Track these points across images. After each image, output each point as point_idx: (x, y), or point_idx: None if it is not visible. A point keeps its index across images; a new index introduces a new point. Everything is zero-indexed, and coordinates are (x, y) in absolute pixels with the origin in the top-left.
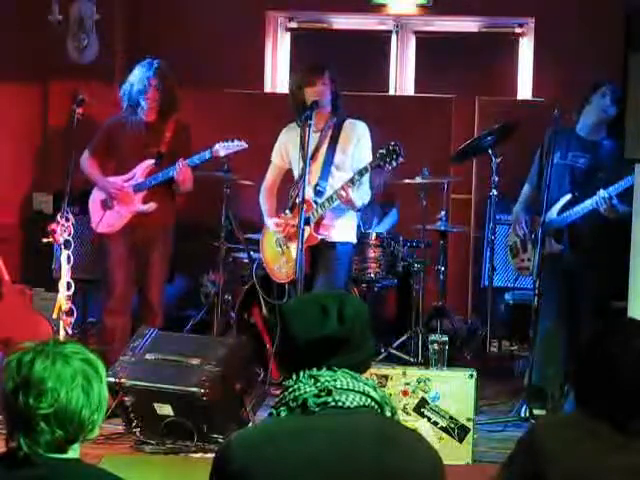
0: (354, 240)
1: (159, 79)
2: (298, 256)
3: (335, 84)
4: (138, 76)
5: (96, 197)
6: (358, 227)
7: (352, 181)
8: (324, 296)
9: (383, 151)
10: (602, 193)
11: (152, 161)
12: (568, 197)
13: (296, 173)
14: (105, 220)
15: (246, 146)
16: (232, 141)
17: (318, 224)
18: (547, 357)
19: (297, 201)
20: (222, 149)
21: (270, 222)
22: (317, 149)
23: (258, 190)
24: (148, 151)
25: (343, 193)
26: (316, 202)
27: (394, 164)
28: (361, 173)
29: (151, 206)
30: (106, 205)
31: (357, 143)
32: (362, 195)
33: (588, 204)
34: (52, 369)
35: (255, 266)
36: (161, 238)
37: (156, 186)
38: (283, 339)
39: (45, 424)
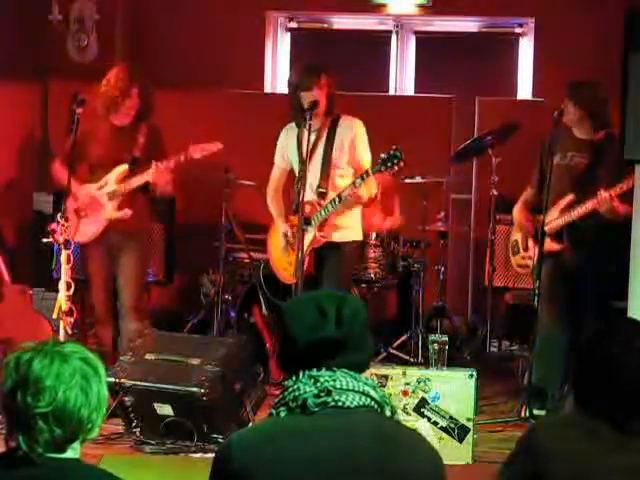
0: (360, 237)
1: (138, 85)
2: (298, 257)
3: (332, 85)
4: (115, 80)
5: (69, 206)
6: None
7: (354, 184)
8: (322, 296)
9: (384, 156)
10: (603, 194)
11: (126, 166)
12: (570, 197)
13: (296, 174)
14: (82, 229)
15: (221, 146)
16: (205, 143)
17: (322, 226)
18: (547, 357)
19: (300, 201)
20: (196, 151)
21: (283, 228)
22: (313, 149)
23: (258, 190)
24: (121, 156)
25: (351, 195)
26: (319, 204)
27: (395, 168)
28: (362, 177)
29: (126, 213)
30: (79, 214)
31: (354, 140)
32: (369, 188)
33: (589, 205)
34: (50, 368)
35: (256, 266)
36: (134, 245)
37: (131, 192)
38: (283, 340)
39: (43, 423)
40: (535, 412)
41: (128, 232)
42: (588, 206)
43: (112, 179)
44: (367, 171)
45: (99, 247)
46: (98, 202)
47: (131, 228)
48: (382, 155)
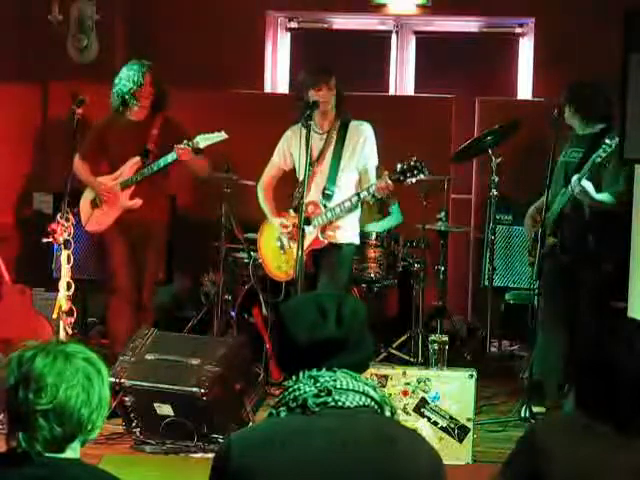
0: (357, 241)
1: (153, 78)
2: (298, 256)
3: (339, 87)
4: (131, 76)
5: (86, 197)
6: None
7: (367, 191)
8: (322, 297)
9: (404, 166)
10: (574, 178)
11: (138, 157)
12: (562, 191)
13: (300, 174)
14: (93, 219)
15: (226, 137)
16: (212, 132)
17: (324, 228)
18: (546, 356)
19: (301, 202)
20: (202, 141)
21: (276, 221)
22: (323, 152)
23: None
24: (135, 148)
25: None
26: (325, 206)
27: (413, 180)
28: (371, 188)
29: (137, 202)
30: (94, 204)
31: (363, 144)
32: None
33: (567, 193)
34: (52, 365)
35: (253, 266)
36: (154, 235)
37: (145, 182)
38: (282, 340)
39: (44, 420)
40: (535, 409)
41: (146, 225)
42: (566, 194)
43: (125, 170)
44: (385, 179)
45: (121, 238)
46: (114, 194)
47: (148, 220)
48: (401, 165)
